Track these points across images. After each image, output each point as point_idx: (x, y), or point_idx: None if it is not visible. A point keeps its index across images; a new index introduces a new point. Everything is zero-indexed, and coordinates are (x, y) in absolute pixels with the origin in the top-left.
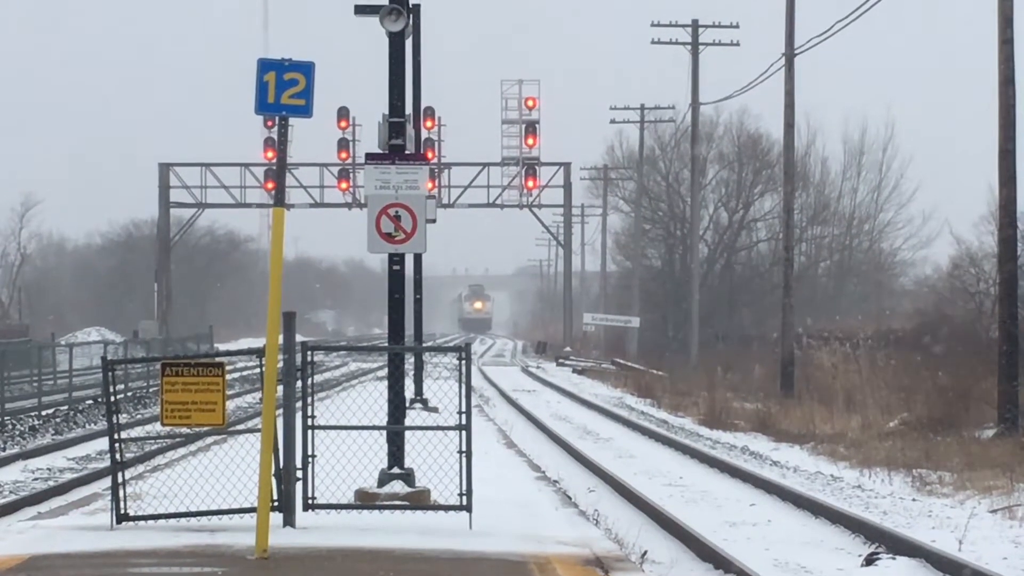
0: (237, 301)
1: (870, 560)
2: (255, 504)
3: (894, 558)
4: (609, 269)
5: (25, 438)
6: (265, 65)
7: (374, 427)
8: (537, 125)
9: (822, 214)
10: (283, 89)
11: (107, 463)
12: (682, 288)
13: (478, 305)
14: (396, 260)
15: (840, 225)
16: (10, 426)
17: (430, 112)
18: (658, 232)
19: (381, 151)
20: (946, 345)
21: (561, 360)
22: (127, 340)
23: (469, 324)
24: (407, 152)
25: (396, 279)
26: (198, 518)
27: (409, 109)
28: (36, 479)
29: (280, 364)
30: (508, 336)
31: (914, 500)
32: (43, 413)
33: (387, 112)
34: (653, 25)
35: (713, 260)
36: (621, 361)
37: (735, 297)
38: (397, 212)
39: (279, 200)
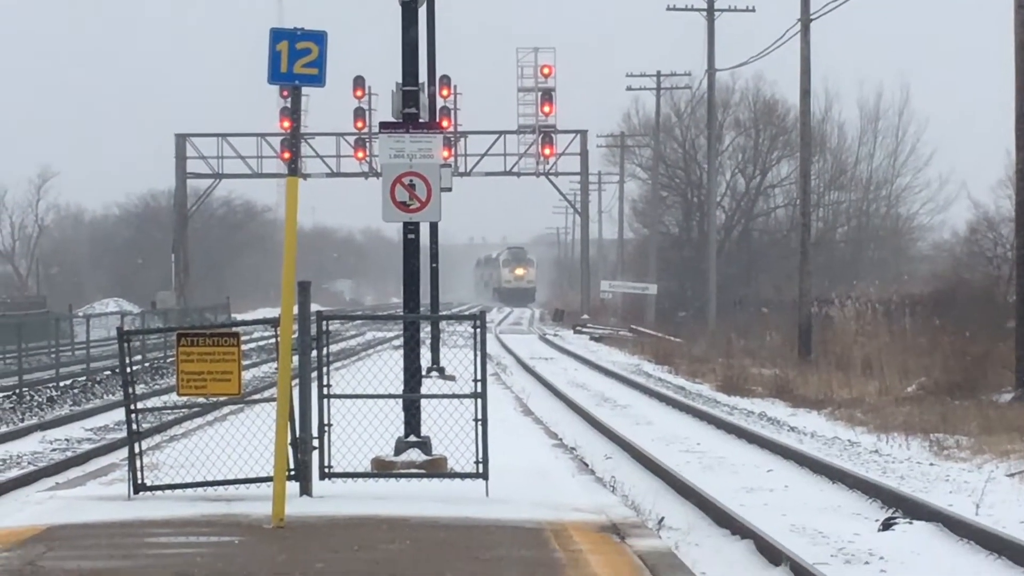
0: (255, 271)
1: (887, 525)
2: (272, 473)
3: (911, 523)
4: (626, 236)
5: (43, 409)
6: (277, 35)
7: (390, 395)
8: (553, 93)
9: (839, 179)
10: (296, 59)
11: (124, 433)
12: (699, 255)
13: (520, 271)
14: (411, 229)
15: (857, 190)
16: (28, 397)
17: (446, 80)
18: (675, 199)
19: (395, 120)
20: (964, 310)
21: (579, 328)
22: (144, 311)
23: (509, 295)
24: (421, 121)
25: (411, 248)
26: (215, 488)
27: (423, 78)
28: (54, 450)
29: (296, 334)
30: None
31: (931, 465)
32: (61, 384)
33: (400, 81)
34: None
35: (730, 226)
36: (639, 328)
37: (753, 263)
38: (412, 181)
39: (293, 170)
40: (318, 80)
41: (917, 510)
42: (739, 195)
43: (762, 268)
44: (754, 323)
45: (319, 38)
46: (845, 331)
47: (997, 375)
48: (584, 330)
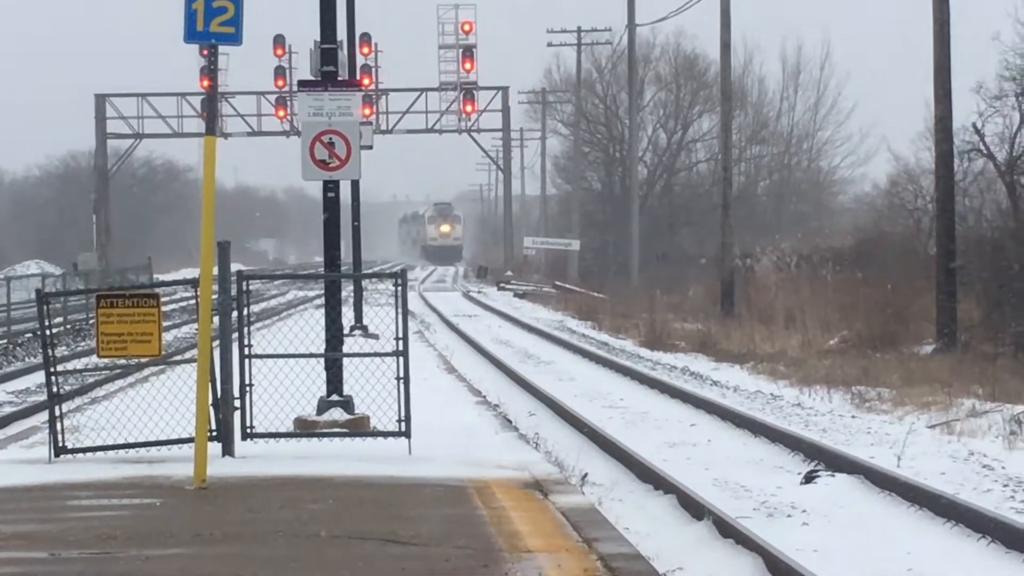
0: (177, 232)
1: (809, 478)
2: (194, 435)
3: (833, 475)
4: (549, 193)
5: None
6: None
7: (311, 355)
8: (474, 49)
9: (760, 133)
10: (212, 17)
11: (45, 396)
12: (622, 210)
13: (446, 228)
14: (331, 187)
15: (779, 144)
16: None
17: (366, 38)
18: (597, 155)
19: (314, 78)
20: (885, 262)
21: (502, 285)
22: (66, 272)
23: (435, 253)
24: (340, 79)
25: (331, 206)
26: (136, 449)
27: (343, 36)
28: None
29: (217, 294)
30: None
31: (853, 417)
32: None
33: (319, 39)
34: None
35: (653, 182)
36: (562, 284)
37: (676, 218)
38: (331, 139)
39: (211, 129)
40: (235, 39)
41: (839, 463)
42: (661, 150)
43: (685, 223)
44: (677, 278)
45: None
46: (767, 285)
47: (918, 327)
48: (508, 287)
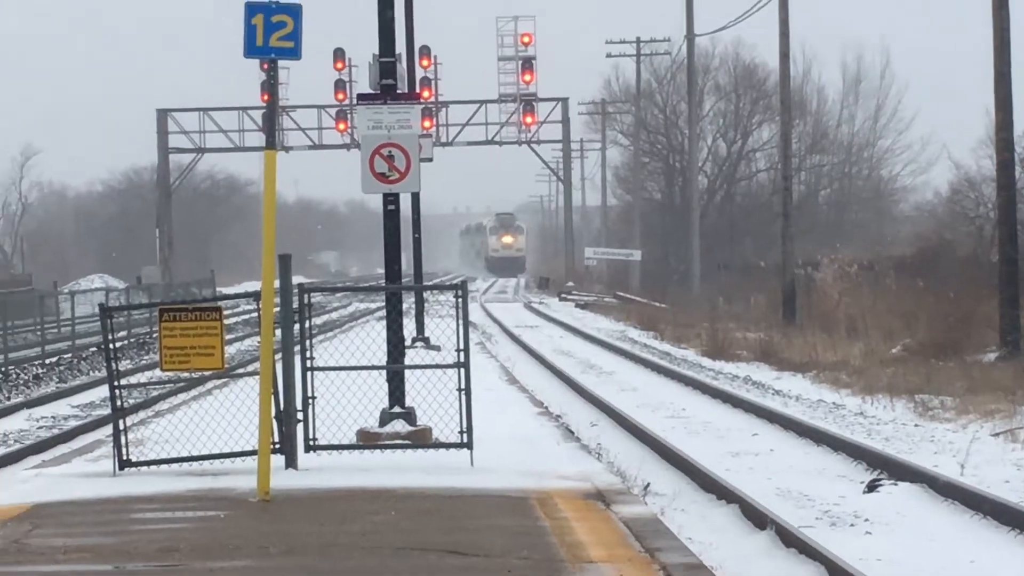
0: (239, 245)
1: (872, 487)
2: (257, 447)
3: (896, 484)
4: (609, 203)
5: (29, 387)
6: (253, 8)
7: (372, 367)
8: (533, 61)
9: (820, 143)
10: (271, 32)
11: (110, 410)
12: (683, 220)
13: (508, 239)
14: (391, 200)
15: (839, 153)
16: (14, 375)
17: (426, 51)
18: (657, 165)
19: (373, 92)
20: (947, 270)
21: (564, 295)
22: (129, 286)
23: (497, 265)
24: (399, 92)
25: (391, 219)
26: (200, 462)
27: (402, 49)
28: (40, 427)
29: (279, 307)
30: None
31: (916, 426)
32: (47, 361)
33: (377, 52)
34: None
35: (713, 191)
36: (624, 295)
37: (736, 227)
38: (390, 152)
39: (271, 143)
40: (294, 53)
41: (902, 471)
42: (721, 160)
43: (745, 232)
44: (738, 287)
45: (294, 11)
46: (829, 294)
47: (981, 335)
48: (569, 297)
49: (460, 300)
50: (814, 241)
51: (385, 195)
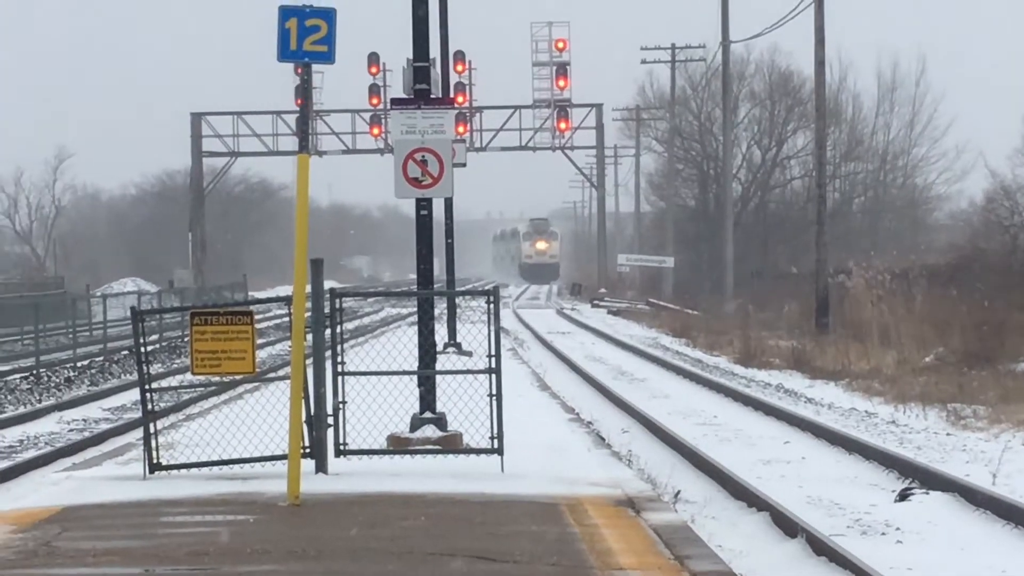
0: (272, 249)
1: (904, 495)
2: (287, 451)
3: (928, 493)
4: (643, 210)
5: (61, 390)
6: (286, 12)
7: (403, 372)
8: (568, 67)
9: (855, 150)
10: (305, 36)
11: (141, 413)
12: (716, 227)
13: (541, 245)
14: (424, 205)
15: (874, 161)
16: (46, 378)
17: (460, 56)
18: (691, 172)
19: (407, 96)
20: (981, 279)
21: (596, 302)
22: (162, 290)
23: (530, 271)
24: (433, 96)
25: (424, 224)
26: (230, 466)
27: (436, 54)
28: (71, 430)
29: (310, 312)
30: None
31: (948, 435)
32: (78, 364)
33: (411, 57)
34: None
35: (747, 198)
36: (656, 301)
37: (770, 235)
38: (424, 157)
39: (304, 147)
40: (327, 57)
41: (934, 480)
42: (755, 167)
43: (779, 240)
44: (771, 295)
45: (328, 15)
46: (862, 302)
47: (1014, 344)
48: (601, 304)
49: (492, 306)
50: (848, 249)
51: (418, 200)
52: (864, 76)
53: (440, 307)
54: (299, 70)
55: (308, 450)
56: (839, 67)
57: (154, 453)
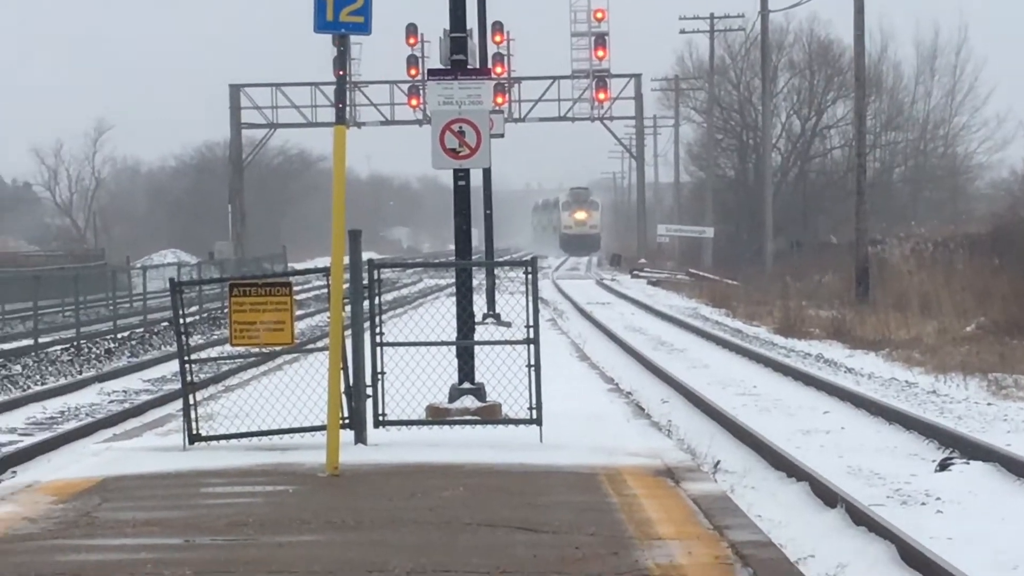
0: (312, 220)
1: (944, 465)
2: (326, 422)
3: (968, 463)
4: (682, 180)
5: (101, 361)
6: None
7: (441, 343)
8: (606, 37)
9: (896, 119)
10: (341, 7)
11: (181, 384)
12: (756, 197)
13: (581, 215)
14: (461, 176)
15: (914, 130)
16: (86, 349)
17: (498, 26)
18: (731, 142)
19: (443, 67)
20: (1022, 248)
21: (635, 272)
22: (201, 261)
23: (569, 242)
24: (470, 67)
25: (462, 195)
26: (269, 437)
27: (473, 24)
28: (111, 401)
29: (348, 283)
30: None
31: (989, 404)
32: (119, 336)
33: (448, 28)
34: None
35: (786, 168)
36: (696, 272)
37: (810, 205)
38: (461, 128)
39: (340, 118)
40: (364, 28)
41: (974, 450)
42: (795, 137)
43: (819, 210)
44: (811, 265)
45: None
46: (902, 271)
47: None
48: (641, 274)
49: (530, 276)
50: (888, 219)
51: (456, 171)
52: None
53: (479, 278)
54: (336, 41)
55: (347, 421)
56: (880, 36)
57: (194, 424)
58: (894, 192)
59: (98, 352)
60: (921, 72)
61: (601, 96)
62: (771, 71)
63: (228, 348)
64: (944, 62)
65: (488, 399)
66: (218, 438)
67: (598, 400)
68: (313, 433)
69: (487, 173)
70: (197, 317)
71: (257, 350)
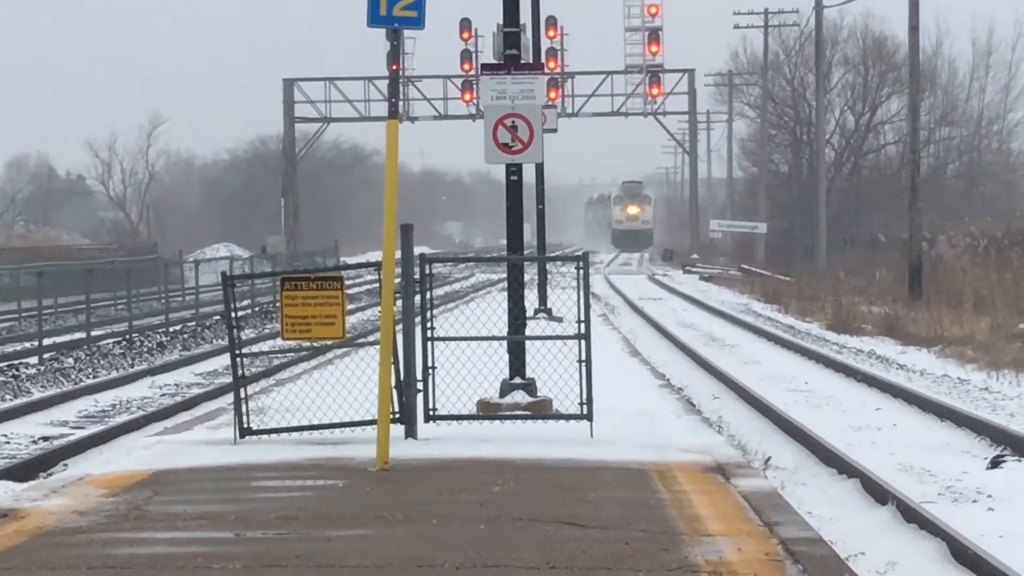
0: (364, 214)
1: (996, 463)
2: (376, 417)
3: (1020, 460)
4: (735, 175)
5: (153, 354)
6: None
7: (492, 338)
8: (660, 32)
9: (950, 115)
10: (395, 1)
11: (232, 378)
12: (809, 193)
13: (633, 210)
14: (514, 170)
15: (968, 126)
16: (139, 343)
17: (552, 21)
18: (784, 137)
19: (497, 62)
20: None
21: (688, 267)
22: (254, 255)
23: (621, 238)
24: (523, 62)
25: (514, 189)
26: (320, 431)
27: (527, 19)
28: (163, 395)
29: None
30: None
31: None
32: (171, 329)
33: (501, 22)
34: None
35: (840, 164)
36: (748, 267)
37: (863, 201)
38: (514, 122)
39: (393, 113)
40: (417, 23)
41: None
42: (848, 132)
43: (872, 206)
44: (864, 261)
45: None
46: (956, 268)
47: None
48: (693, 270)
49: (581, 271)
50: (942, 215)
51: (508, 166)
52: (959, 41)
53: (530, 273)
54: (390, 35)
55: (398, 415)
56: (935, 32)
57: (244, 418)
58: (947, 188)
59: (150, 345)
60: (976, 68)
61: (654, 91)
62: (825, 66)
63: (280, 342)
64: (999, 58)
65: (539, 394)
66: (269, 432)
67: (649, 396)
68: (363, 427)
69: (540, 168)
70: (249, 311)
71: (308, 344)
